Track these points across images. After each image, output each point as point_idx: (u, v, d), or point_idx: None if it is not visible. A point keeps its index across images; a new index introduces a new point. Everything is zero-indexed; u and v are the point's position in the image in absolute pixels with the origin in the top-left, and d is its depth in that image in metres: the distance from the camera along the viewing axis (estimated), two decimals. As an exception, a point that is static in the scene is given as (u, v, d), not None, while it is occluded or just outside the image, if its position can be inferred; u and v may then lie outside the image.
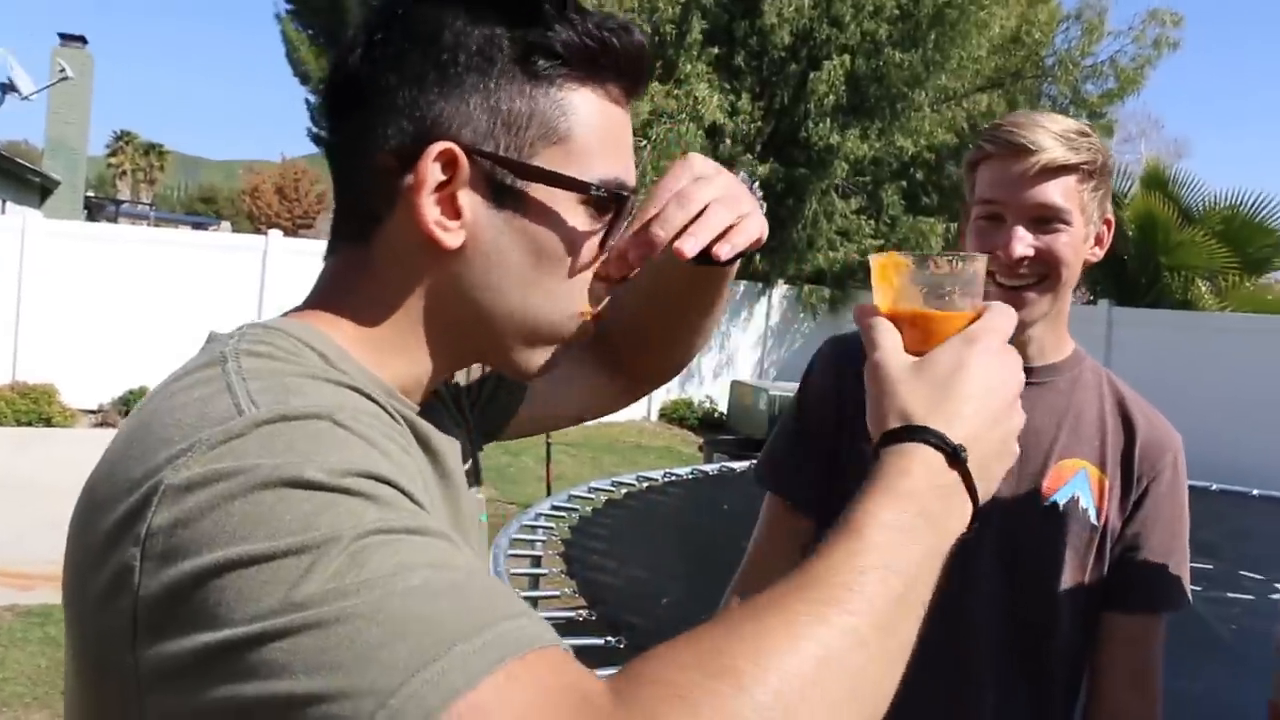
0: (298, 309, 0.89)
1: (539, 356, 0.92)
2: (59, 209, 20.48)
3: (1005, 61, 18.07)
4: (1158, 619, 1.63)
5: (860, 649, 0.65)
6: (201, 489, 0.64)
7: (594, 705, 0.59)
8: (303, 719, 0.58)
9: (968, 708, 1.57)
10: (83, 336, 12.92)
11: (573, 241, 0.87)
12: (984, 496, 0.80)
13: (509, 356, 0.92)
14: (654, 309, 1.20)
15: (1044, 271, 1.51)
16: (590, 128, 0.86)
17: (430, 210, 0.82)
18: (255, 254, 13.75)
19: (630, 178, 0.90)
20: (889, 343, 0.86)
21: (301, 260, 13.46)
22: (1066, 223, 1.51)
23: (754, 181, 1.08)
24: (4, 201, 18.56)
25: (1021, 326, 1.33)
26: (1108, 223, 1.62)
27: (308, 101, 20.96)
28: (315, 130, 20.63)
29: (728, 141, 15.65)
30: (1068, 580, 1.58)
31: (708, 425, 15.68)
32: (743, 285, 17.02)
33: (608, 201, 0.87)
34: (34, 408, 12.14)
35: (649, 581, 5.29)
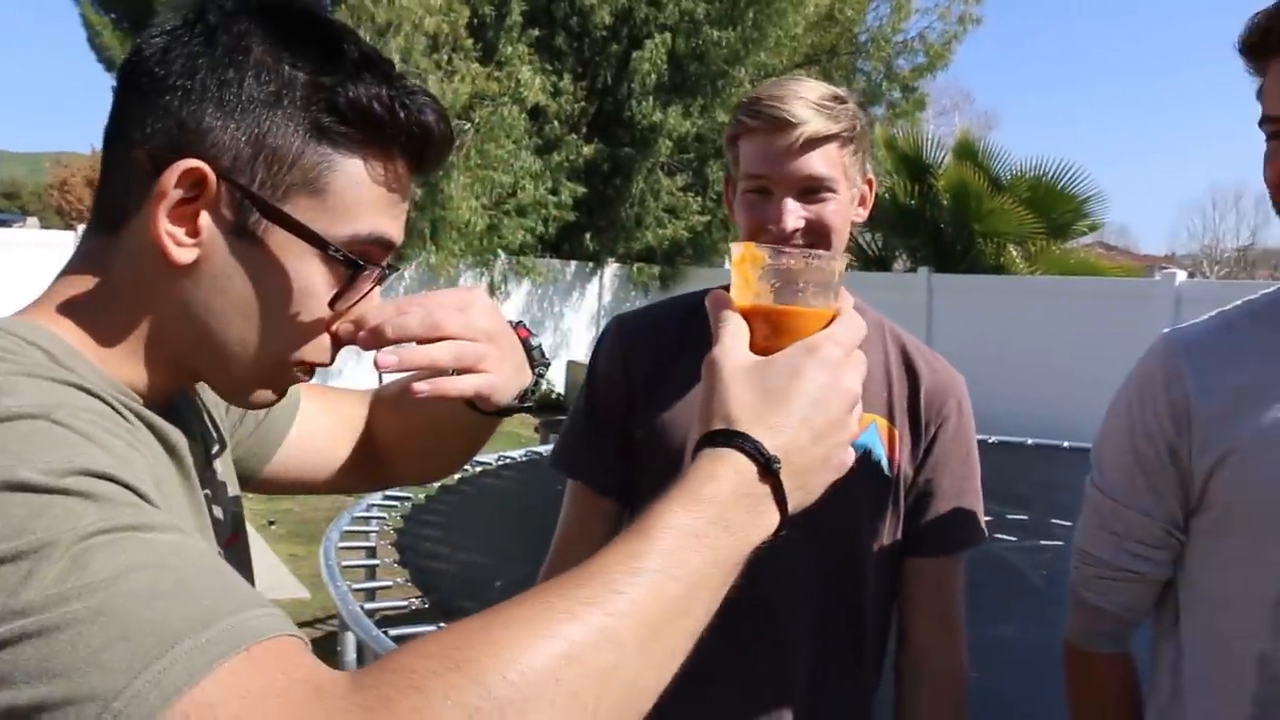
0: (36, 301, 0.88)
1: (250, 391, 0.92)
2: None
3: (821, 38, 18.52)
4: (957, 560, 1.70)
5: (613, 649, 0.65)
6: None
7: (325, 694, 0.59)
8: None
9: (784, 662, 1.60)
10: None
11: (302, 292, 0.86)
12: (797, 507, 0.80)
13: (223, 383, 0.92)
14: (423, 430, 1.23)
15: (815, 240, 1.54)
16: (352, 190, 0.85)
17: (163, 221, 0.81)
18: (65, 249, 12.37)
19: (386, 245, 0.90)
20: (730, 340, 0.85)
21: (112, 256, 12.79)
22: (833, 190, 1.54)
23: (537, 343, 1.12)
24: None
25: None
26: (869, 183, 1.66)
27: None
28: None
29: (553, 123, 15.62)
30: (868, 533, 1.63)
31: (545, 407, 15.59)
32: (573, 265, 17.04)
33: (345, 265, 0.87)
34: None
35: (483, 566, 5.29)
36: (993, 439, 7.89)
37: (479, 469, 6.79)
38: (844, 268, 0.90)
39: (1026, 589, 5.45)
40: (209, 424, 1.05)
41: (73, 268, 0.88)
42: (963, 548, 1.70)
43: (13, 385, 0.70)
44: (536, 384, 1.09)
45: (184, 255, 0.82)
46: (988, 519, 1.73)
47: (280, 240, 0.84)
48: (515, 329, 1.09)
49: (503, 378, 1.01)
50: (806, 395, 0.80)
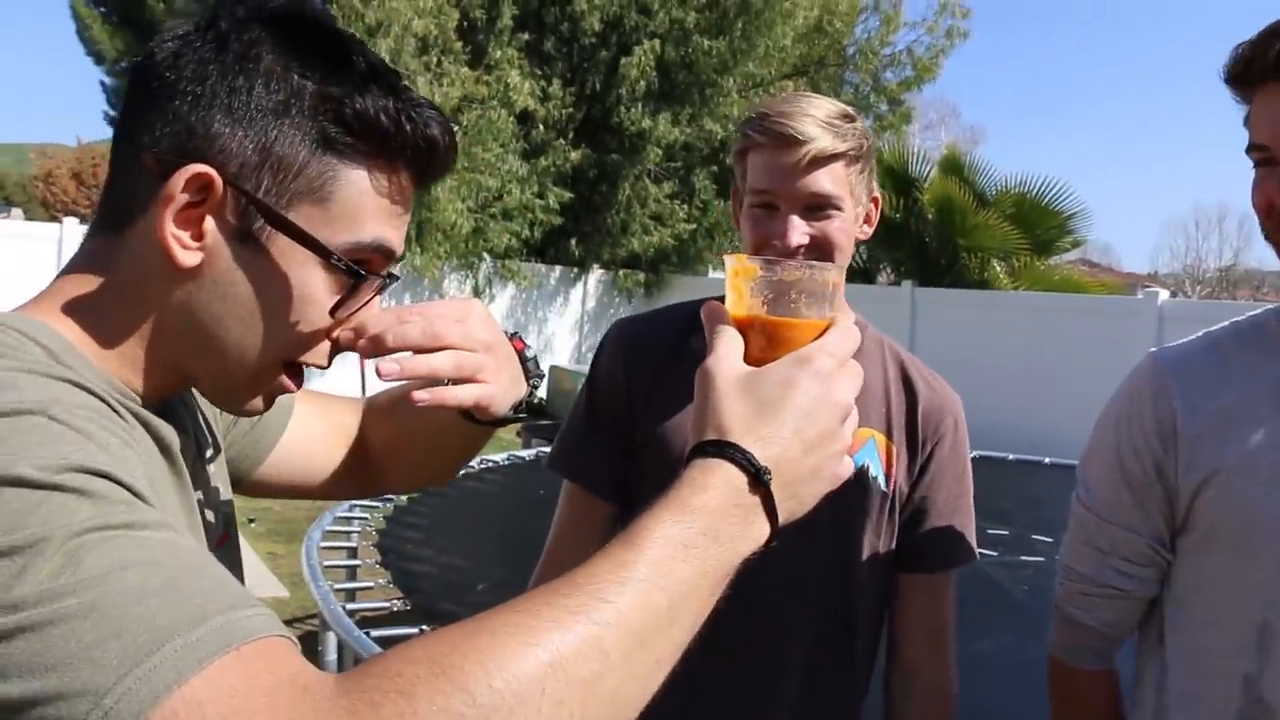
0: (38, 298, 0.88)
1: (244, 397, 0.93)
2: None
3: (809, 50, 18.55)
4: (948, 576, 1.72)
5: (598, 659, 0.65)
6: None
7: (313, 695, 0.59)
8: None
9: (776, 672, 1.61)
10: None
11: (304, 299, 0.87)
12: (788, 518, 0.80)
13: (217, 388, 0.92)
14: (417, 439, 1.25)
15: (819, 257, 1.55)
16: (355, 200, 0.87)
17: (169, 224, 0.82)
18: (50, 243, 13.13)
19: (387, 255, 0.91)
20: (724, 350, 0.85)
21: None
22: (838, 208, 1.55)
23: (532, 354, 1.14)
24: None
25: None
26: (875, 201, 1.67)
27: (103, 84, 19.92)
28: (112, 114, 19.61)
29: (540, 127, 15.61)
30: (863, 547, 1.64)
31: (527, 411, 15.60)
32: (558, 270, 17.03)
33: (346, 273, 0.88)
34: None
35: (465, 569, 5.29)
36: (974, 454, 7.91)
37: (461, 472, 6.77)
38: (840, 278, 0.90)
39: (1008, 604, 5.47)
40: (203, 424, 1.05)
41: (76, 266, 0.88)
42: (955, 565, 1.72)
43: (12, 381, 0.71)
44: (530, 395, 1.10)
45: (188, 259, 0.83)
46: (969, 534, 1.74)
47: (283, 247, 0.85)
48: (511, 340, 1.10)
49: (500, 388, 1.02)
50: (798, 406, 0.80)
